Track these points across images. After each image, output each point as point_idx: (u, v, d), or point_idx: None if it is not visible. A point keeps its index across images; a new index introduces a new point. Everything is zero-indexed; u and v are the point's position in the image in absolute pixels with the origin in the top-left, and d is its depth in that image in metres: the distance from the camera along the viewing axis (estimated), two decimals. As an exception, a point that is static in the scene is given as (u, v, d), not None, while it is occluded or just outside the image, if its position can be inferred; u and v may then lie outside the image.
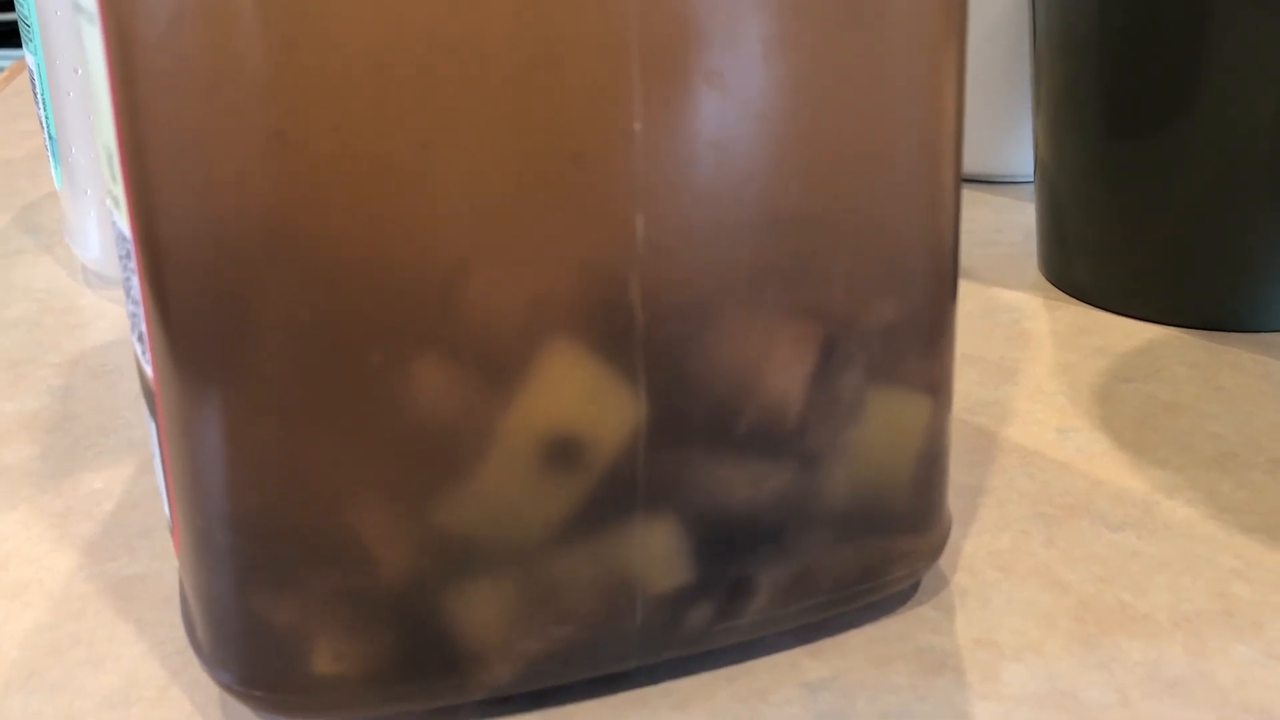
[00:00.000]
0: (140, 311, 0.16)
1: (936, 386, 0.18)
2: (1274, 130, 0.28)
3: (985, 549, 0.21)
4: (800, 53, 0.15)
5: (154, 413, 0.17)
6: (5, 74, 0.65)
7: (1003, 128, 0.41)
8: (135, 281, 0.16)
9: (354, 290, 0.15)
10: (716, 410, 0.16)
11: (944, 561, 0.21)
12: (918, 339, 0.17)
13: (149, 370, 0.16)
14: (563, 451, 0.16)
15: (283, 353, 0.15)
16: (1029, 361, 0.29)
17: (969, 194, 0.42)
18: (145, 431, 0.26)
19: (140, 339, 0.16)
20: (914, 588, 0.20)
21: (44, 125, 0.34)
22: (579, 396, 0.15)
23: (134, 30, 0.14)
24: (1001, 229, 0.38)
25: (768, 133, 0.15)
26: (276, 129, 0.14)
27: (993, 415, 0.26)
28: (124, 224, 0.16)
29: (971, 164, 0.42)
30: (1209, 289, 0.29)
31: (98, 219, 0.33)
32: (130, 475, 0.25)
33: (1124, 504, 0.23)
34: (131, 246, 0.16)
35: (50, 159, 0.34)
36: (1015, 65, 0.40)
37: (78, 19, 0.16)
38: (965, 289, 0.33)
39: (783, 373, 0.16)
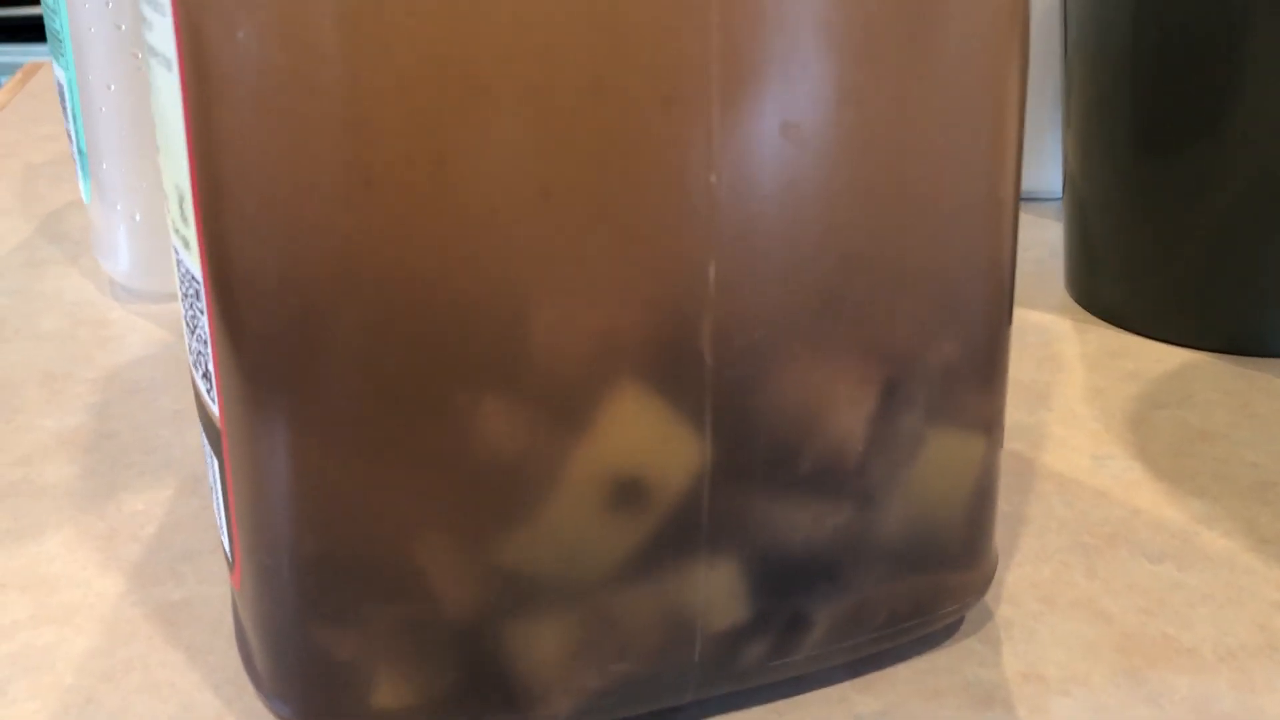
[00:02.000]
0: (207, 351, 0.16)
1: (991, 424, 0.18)
2: None
3: (1028, 580, 0.22)
4: (872, 102, 0.15)
5: (217, 449, 0.17)
6: (19, 75, 0.65)
7: (1031, 144, 0.41)
8: (204, 321, 0.16)
9: (424, 330, 0.15)
10: (780, 451, 0.16)
11: (988, 594, 0.21)
12: (975, 378, 0.18)
13: (214, 408, 0.16)
14: (628, 492, 0.16)
15: (352, 391, 0.15)
16: (1061, 385, 0.29)
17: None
18: (182, 451, 0.26)
19: (205, 376, 0.17)
20: (960, 620, 0.20)
21: (73, 139, 0.34)
22: (645, 438, 0.16)
23: (217, 80, 0.14)
24: (1028, 247, 0.38)
25: (839, 180, 0.15)
26: (360, 176, 0.14)
27: (1028, 441, 0.26)
28: (193, 264, 0.16)
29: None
30: (1239, 313, 0.30)
31: (126, 233, 0.33)
32: (170, 496, 0.25)
33: (1163, 534, 0.23)
34: (201, 287, 0.16)
35: (79, 173, 0.34)
36: (1045, 80, 0.40)
37: (151, 62, 0.16)
38: (993, 309, 0.33)
39: (845, 414, 0.16)
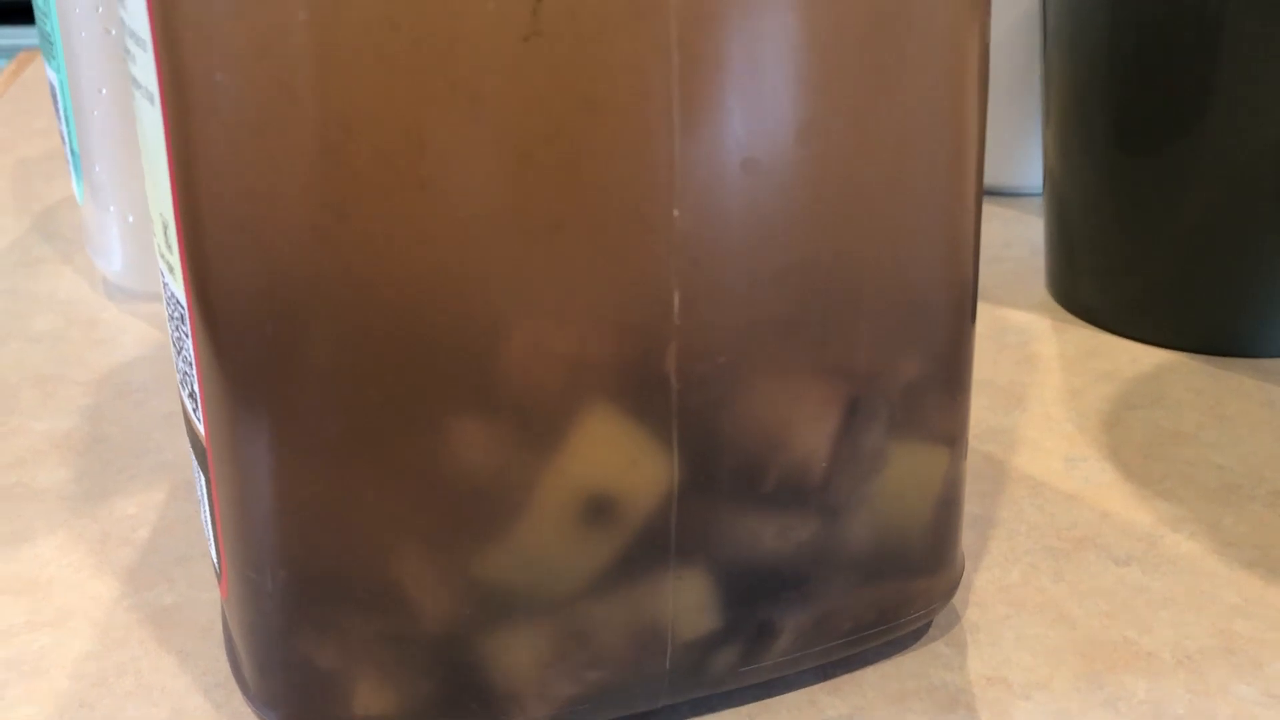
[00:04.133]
0: (193, 372, 0.17)
1: (954, 436, 0.19)
2: (1278, 150, 0.28)
3: (996, 584, 0.22)
4: (833, 135, 0.15)
5: (204, 466, 0.17)
6: (13, 66, 0.66)
7: (1014, 139, 0.42)
8: (188, 344, 0.16)
9: (400, 353, 0.16)
10: (746, 468, 0.17)
11: (956, 597, 0.22)
12: (938, 393, 0.18)
13: (200, 427, 0.17)
14: (599, 509, 0.16)
15: (330, 411, 0.16)
16: (1037, 386, 0.29)
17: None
18: (174, 455, 0.27)
19: (191, 396, 0.17)
20: (928, 624, 0.21)
21: (66, 140, 0.35)
22: (615, 457, 0.16)
23: (197, 116, 0.14)
24: (1010, 244, 0.38)
25: (798, 211, 0.15)
26: (332, 206, 0.14)
27: (1002, 443, 0.27)
28: (178, 289, 0.16)
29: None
30: (1213, 313, 0.30)
31: (120, 234, 0.34)
32: (162, 500, 0.25)
33: (1130, 537, 0.23)
34: (185, 311, 0.16)
35: (72, 173, 0.35)
36: (1028, 75, 0.40)
37: (135, 93, 0.16)
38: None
39: (809, 432, 0.17)
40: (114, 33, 0.31)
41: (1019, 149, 0.42)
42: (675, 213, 0.14)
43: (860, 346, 0.17)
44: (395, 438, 0.16)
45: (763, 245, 0.15)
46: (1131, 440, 0.27)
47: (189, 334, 0.16)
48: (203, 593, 0.22)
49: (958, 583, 0.20)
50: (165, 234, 0.16)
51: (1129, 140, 0.30)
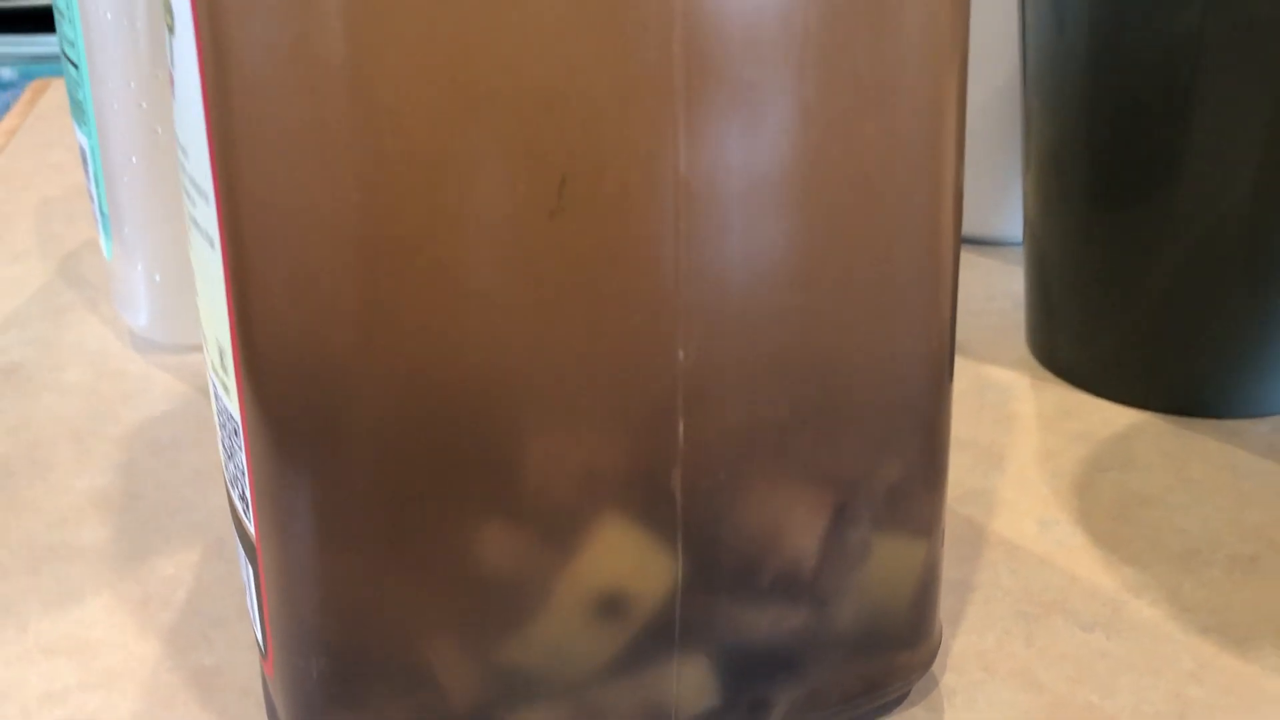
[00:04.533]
0: (245, 480, 0.18)
1: (932, 527, 0.21)
2: (1247, 213, 0.30)
3: (972, 648, 0.24)
4: (822, 278, 0.17)
5: (252, 559, 0.19)
6: (27, 95, 0.67)
7: (999, 187, 0.43)
8: (241, 455, 0.18)
9: (432, 463, 0.17)
10: (744, 567, 0.18)
11: (935, 662, 0.24)
12: (916, 492, 0.20)
13: (250, 527, 0.19)
14: (611, 605, 0.18)
15: (370, 517, 0.18)
16: (1015, 447, 0.31)
17: (962, 256, 0.44)
18: (205, 513, 0.29)
19: (242, 498, 0.19)
20: (908, 689, 0.23)
21: (95, 200, 0.36)
22: (626, 560, 0.18)
23: (254, 263, 0.16)
24: (993, 296, 0.40)
25: (792, 338, 0.17)
26: (369, 329, 0.16)
27: (981, 506, 0.29)
28: (232, 406, 0.18)
29: (967, 225, 0.44)
30: (1181, 374, 0.32)
31: (146, 291, 0.36)
32: (197, 561, 0.27)
33: (1096, 602, 0.25)
34: (239, 426, 0.18)
35: (100, 231, 0.37)
36: (1015, 122, 0.42)
37: (194, 229, 0.18)
38: (957, 365, 0.36)
39: (801, 535, 0.19)
40: (145, 106, 0.33)
41: (1004, 197, 0.43)
42: (680, 354, 0.16)
43: (846, 458, 0.19)
44: (429, 539, 0.18)
45: (759, 376, 0.17)
46: (1101, 503, 0.29)
47: (243, 447, 0.18)
48: (240, 654, 0.24)
49: (935, 652, 0.22)
50: (221, 357, 0.18)
51: (1105, 195, 0.31)
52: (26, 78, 1.56)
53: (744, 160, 0.16)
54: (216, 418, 0.19)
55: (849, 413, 0.18)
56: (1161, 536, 0.27)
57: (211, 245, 0.17)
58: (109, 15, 0.32)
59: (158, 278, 0.35)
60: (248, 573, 0.20)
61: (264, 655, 0.20)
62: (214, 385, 0.19)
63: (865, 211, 0.18)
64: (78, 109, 0.36)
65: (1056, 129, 0.32)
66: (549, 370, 0.17)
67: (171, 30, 0.17)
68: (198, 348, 0.37)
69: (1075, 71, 0.31)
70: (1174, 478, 0.30)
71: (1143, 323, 0.32)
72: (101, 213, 0.36)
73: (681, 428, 0.17)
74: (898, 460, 0.19)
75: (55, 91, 0.68)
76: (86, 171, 0.37)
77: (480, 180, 0.15)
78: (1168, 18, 0.28)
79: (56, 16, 0.35)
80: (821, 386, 0.18)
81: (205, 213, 0.17)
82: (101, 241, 0.37)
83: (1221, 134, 0.29)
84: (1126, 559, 0.27)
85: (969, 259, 0.43)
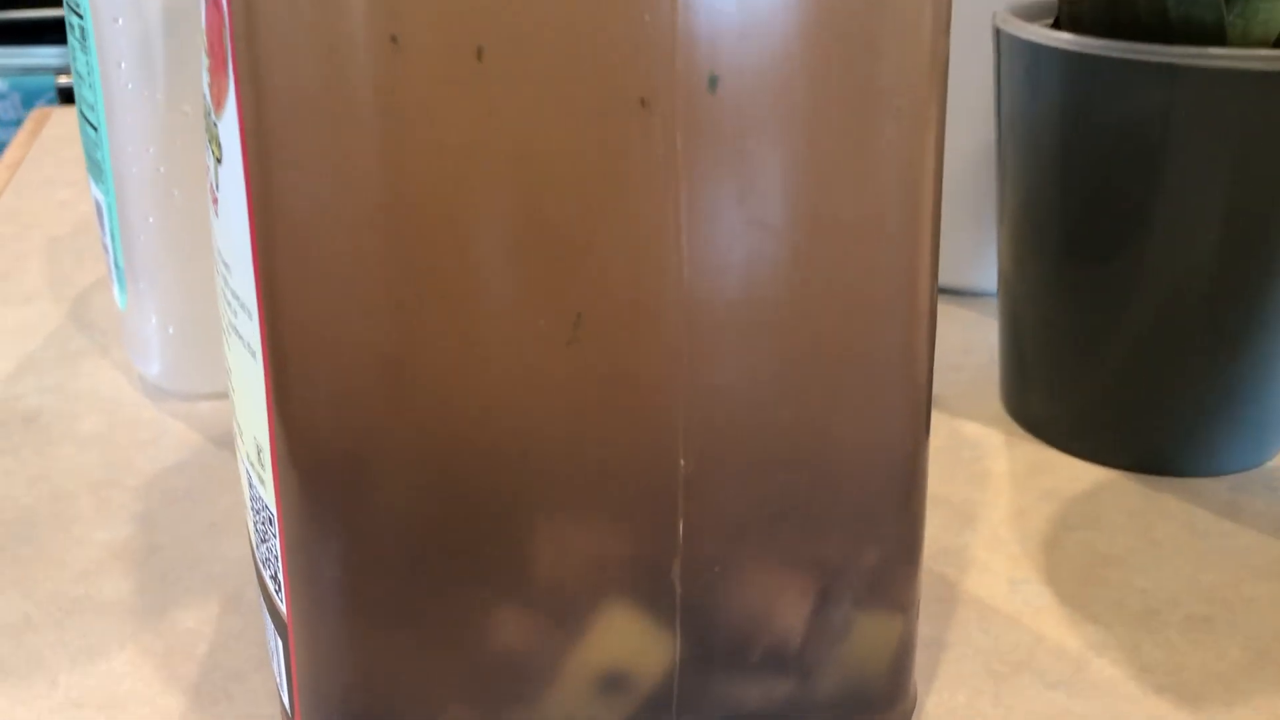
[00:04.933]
0: (278, 563, 0.20)
1: (909, 602, 0.23)
2: (1209, 275, 0.31)
3: (944, 706, 0.26)
4: (804, 356, 0.19)
5: (282, 634, 0.21)
6: (29, 127, 0.68)
7: (979, 238, 0.45)
8: (275, 543, 0.20)
9: (450, 549, 0.19)
10: (736, 646, 0.20)
11: (910, 720, 0.25)
12: (895, 571, 0.22)
13: (282, 606, 0.20)
14: (613, 681, 0.20)
15: (393, 600, 0.19)
16: (987, 505, 0.33)
17: (940, 307, 0.46)
18: (222, 567, 0.30)
19: (274, 579, 0.20)
20: (885, 746, 0.25)
21: (109, 252, 0.38)
22: (628, 642, 0.20)
23: (294, 377, 0.18)
24: (969, 349, 0.42)
25: (784, 442, 0.19)
26: (389, 430, 0.18)
27: (954, 565, 0.31)
28: (268, 498, 0.20)
29: (945, 276, 0.46)
30: (1145, 433, 0.34)
31: (160, 343, 0.37)
32: (216, 615, 0.29)
33: (1061, 661, 0.27)
34: (274, 517, 0.20)
35: (115, 283, 0.38)
36: (993, 173, 0.44)
37: (234, 337, 0.20)
38: (934, 420, 0.37)
39: (789, 615, 0.20)
40: (163, 170, 0.35)
41: (986, 247, 0.45)
42: (681, 462, 0.18)
43: (830, 543, 0.20)
44: (449, 619, 0.19)
45: (752, 477, 0.19)
46: (1069, 562, 0.31)
47: (277, 535, 0.20)
48: (260, 708, 0.26)
49: (911, 712, 0.24)
50: (259, 454, 0.20)
51: (1074, 253, 0.33)
52: (16, 89, 1.57)
53: (744, 288, 0.18)
54: (250, 503, 0.21)
55: (832, 504, 0.20)
56: (1124, 596, 0.29)
57: (253, 355, 0.19)
58: (130, 85, 0.34)
59: (171, 330, 0.37)
60: (276, 644, 0.21)
61: (290, 717, 0.22)
62: (248, 474, 0.21)
63: (849, 321, 0.19)
64: (95, 167, 0.37)
65: (1029, 187, 0.34)
66: (562, 474, 0.18)
67: (219, 160, 0.18)
68: (207, 396, 0.39)
69: (1048, 136, 0.32)
70: (1137, 537, 0.31)
71: (1109, 381, 0.34)
72: (116, 265, 0.38)
73: (682, 525, 0.18)
74: (877, 545, 0.21)
75: (56, 123, 0.69)
76: (102, 224, 0.38)
77: (505, 316, 0.16)
78: (1137, 92, 0.30)
79: (76, 80, 0.37)
80: (809, 482, 0.20)
81: (247, 326, 0.19)
82: (115, 293, 0.38)
83: (1186, 198, 0.31)
84: (1090, 618, 0.28)
85: (947, 310, 0.45)
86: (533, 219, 0.16)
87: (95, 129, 0.36)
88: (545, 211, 0.16)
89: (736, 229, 0.17)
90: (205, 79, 0.19)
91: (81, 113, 0.37)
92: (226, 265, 0.19)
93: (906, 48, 0.18)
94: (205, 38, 0.18)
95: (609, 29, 0.15)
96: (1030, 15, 0.36)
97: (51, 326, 0.44)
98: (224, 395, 0.38)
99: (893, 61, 0.18)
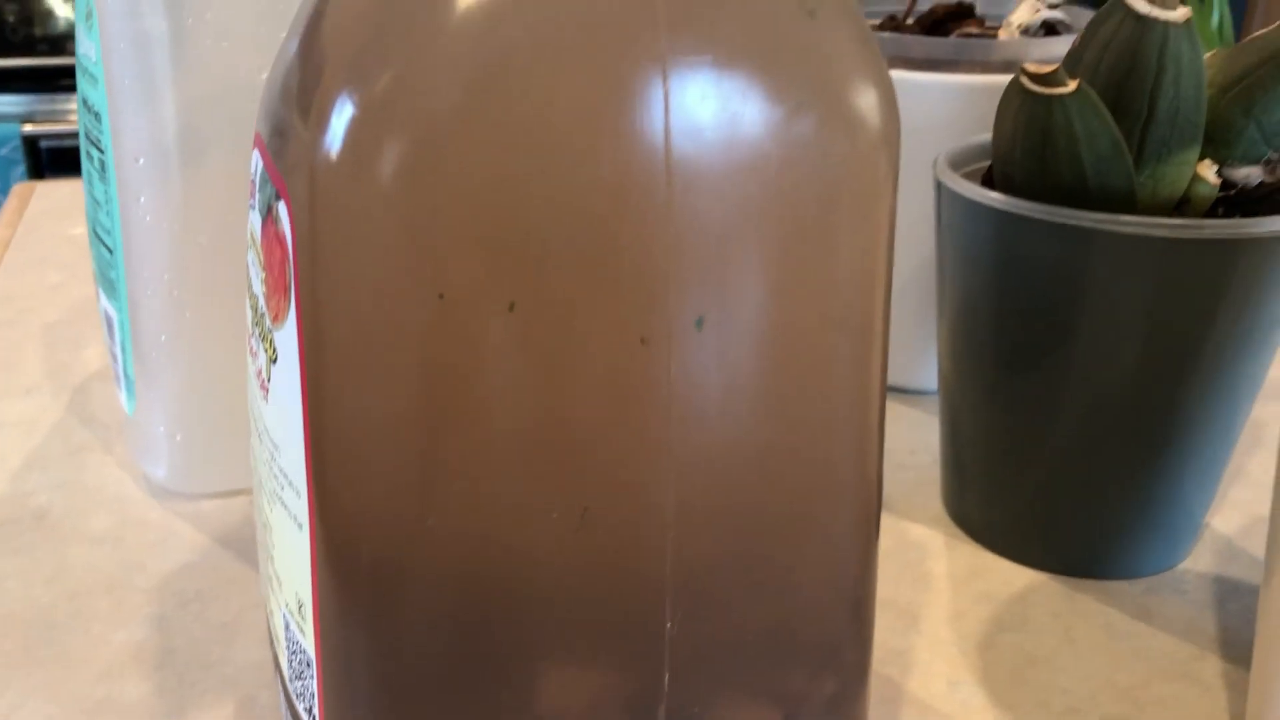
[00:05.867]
0: (315, 699, 0.23)
1: (861, 717, 0.26)
2: (1128, 388, 0.35)
3: (890, 804, 0.29)
4: (776, 541, 0.22)
5: (314, 757, 0.24)
6: (13, 203, 0.70)
7: (925, 337, 0.48)
8: (313, 684, 0.23)
9: (465, 699, 0.22)
10: (710, 770, 0.23)
11: (860, 816, 0.29)
12: (849, 694, 0.25)
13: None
14: (606, 802, 0.23)
15: (415, 733, 0.22)
16: (930, 607, 0.37)
17: (887, 405, 0.49)
18: (234, 669, 0.33)
19: (309, 711, 0.23)
20: (838, 842, 0.28)
21: (118, 362, 0.40)
22: (619, 769, 0.23)
23: (337, 567, 0.21)
24: (915, 450, 0.46)
25: (752, 609, 0.22)
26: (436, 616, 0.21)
27: (899, 666, 0.34)
28: (309, 646, 0.23)
29: (893, 375, 0.50)
30: (1069, 537, 0.38)
31: (167, 449, 0.40)
32: (231, 717, 0.31)
33: (992, 759, 0.31)
34: (313, 660, 0.23)
35: (122, 391, 0.41)
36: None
37: (283, 511, 0.23)
38: (882, 522, 0.41)
39: (755, 743, 0.24)
40: (177, 294, 0.37)
41: (931, 346, 0.49)
42: (668, 625, 0.21)
43: (793, 678, 0.24)
44: (461, 750, 0.23)
45: (728, 635, 0.22)
46: (1000, 664, 0.34)
47: (314, 677, 0.23)
48: (278, 810, 0.29)
49: (860, 814, 0.28)
50: (299, 608, 0.23)
51: (1007, 358, 0.36)
52: (-20, 132, 1.58)
53: (724, 475, 0.21)
54: (285, 643, 0.24)
55: (795, 649, 0.23)
56: (1048, 696, 0.33)
57: (299, 527, 0.22)
58: (148, 218, 0.36)
59: (179, 438, 0.39)
60: (306, 760, 0.24)
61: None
62: (286, 618, 0.24)
63: (812, 481, 0.23)
64: (108, 285, 0.40)
65: (964, 309, 0.37)
66: (567, 630, 0.21)
67: (273, 360, 0.22)
68: (210, 496, 0.41)
69: (981, 273, 0.36)
70: (1060, 639, 0.35)
71: (1037, 488, 0.37)
72: (126, 375, 0.40)
73: (667, 676, 0.22)
74: (834, 676, 0.25)
75: (41, 198, 0.71)
76: (111, 336, 0.41)
77: (523, 509, 0.20)
78: (1059, 248, 0.33)
79: (91, 205, 0.40)
80: (777, 621, 0.23)
81: (295, 502, 0.22)
82: (123, 400, 0.41)
83: (1105, 334, 0.34)
84: (1019, 717, 0.32)
85: (894, 409, 0.49)
86: (549, 432, 0.19)
87: (111, 251, 0.39)
88: (560, 425, 0.19)
89: (718, 430, 0.20)
90: (258, 286, 0.22)
91: (96, 234, 0.40)
92: (275, 445, 0.22)
93: (860, 266, 0.21)
94: (261, 254, 0.22)
95: (616, 288, 0.19)
96: (969, 158, 0.40)
97: (54, 419, 0.46)
98: (225, 495, 0.41)
99: (849, 279, 0.21)
